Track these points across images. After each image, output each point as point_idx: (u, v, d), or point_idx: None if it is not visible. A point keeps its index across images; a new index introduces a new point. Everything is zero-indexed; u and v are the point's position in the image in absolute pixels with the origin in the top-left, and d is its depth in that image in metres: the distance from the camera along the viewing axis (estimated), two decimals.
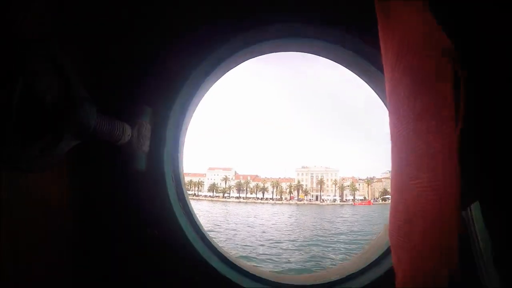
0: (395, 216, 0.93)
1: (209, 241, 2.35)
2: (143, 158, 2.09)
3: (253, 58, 2.77)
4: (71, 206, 1.94)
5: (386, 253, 2.35)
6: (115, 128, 1.79)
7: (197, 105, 2.64)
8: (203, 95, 2.68)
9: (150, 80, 2.22)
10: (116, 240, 2.12)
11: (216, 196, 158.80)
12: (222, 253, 2.31)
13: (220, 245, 2.95)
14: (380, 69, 1.91)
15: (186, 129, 2.51)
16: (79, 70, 1.61)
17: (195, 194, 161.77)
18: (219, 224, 33.44)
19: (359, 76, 2.70)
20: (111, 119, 1.78)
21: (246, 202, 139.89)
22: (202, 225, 2.70)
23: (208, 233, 2.90)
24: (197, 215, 2.53)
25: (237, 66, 2.74)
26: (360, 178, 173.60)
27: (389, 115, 0.85)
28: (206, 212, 51.96)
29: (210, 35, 2.25)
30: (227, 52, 2.36)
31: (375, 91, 2.66)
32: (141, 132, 2.04)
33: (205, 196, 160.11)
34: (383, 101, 2.45)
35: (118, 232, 2.13)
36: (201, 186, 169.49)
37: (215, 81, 2.73)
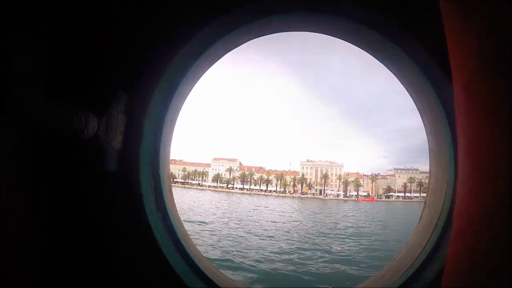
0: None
1: (196, 265, 1.98)
2: (113, 157, 1.73)
3: (256, 38, 2.47)
4: (24, 213, 1.63)
5: (411, 278, 2.05)
6: (74, 119, 1.42)
7: (187, 92, 2.33)
8: (195, 81, 2.36)
9: (123, 59, 1.84)
10: (79, 259, 1.77)
11: (220, 187, 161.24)
12: (213, 280, 2.01)
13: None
14: (412, 56, 1.89)
15: (173, 121, 2.24)
16: (29, 46, 1.36)
17: (199, 184, 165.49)
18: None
19: (381, 62, 2.51)
20: (70, 107, 1.42)
21: (250, 194, 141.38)
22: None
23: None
24: (184, 230, 2.31)
25: (237, 47, 2.46)
26: (364, 174, 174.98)
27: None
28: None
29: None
30: (225, 28, 2.05)
31: (399, 78, 2.48)
32: (110, 124, 1.67)
33: (209, 186, 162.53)
34: (407, 89, 2.38)
35: (81, 248, 1.76)
36: (206, 176, 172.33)
37: (210, 64, 2.45)
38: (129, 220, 1.79)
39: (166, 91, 1.98)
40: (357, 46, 2.48)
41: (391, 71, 2.50)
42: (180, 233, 2.02)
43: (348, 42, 2.47)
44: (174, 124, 2.27)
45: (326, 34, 2.52)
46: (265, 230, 22.83)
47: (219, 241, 19.14)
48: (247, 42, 2.44)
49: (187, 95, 2.36)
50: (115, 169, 1.75)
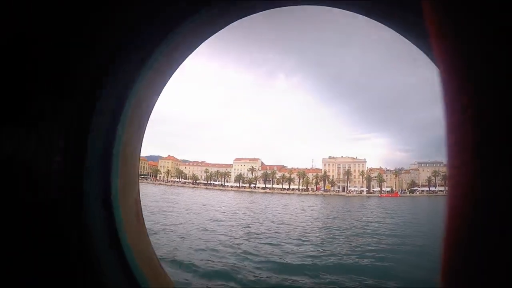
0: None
1: None
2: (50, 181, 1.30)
3: (254, 13, 2.07)
4: None
5: None
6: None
7: (163, 78, 1.90)
8: (174, 65, 1.92)
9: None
10: None
11: (243, 187, 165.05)
12: None
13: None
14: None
15: (140, 120, 1.83)
16: None
17: (221, 184, 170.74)
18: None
19: (396, 31, 1.98)
20: None
21: (272, 193, 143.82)
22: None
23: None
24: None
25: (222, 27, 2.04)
26: (388, 169, 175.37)
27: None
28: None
29: None
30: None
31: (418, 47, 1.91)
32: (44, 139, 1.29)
33: (232, 186, 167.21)
34: (432, 60, 1.57)
35: None
36: (228, 176, 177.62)
37: (190, 49, 2.05)
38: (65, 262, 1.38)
39: (120, 78, 1.63)
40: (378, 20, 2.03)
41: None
42: (143, 276, 1.56)
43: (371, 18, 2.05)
44: (143, 124, 1.95)
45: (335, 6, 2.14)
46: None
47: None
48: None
49: (164, 82, 2.00)
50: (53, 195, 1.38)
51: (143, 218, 1.92)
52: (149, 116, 1.96)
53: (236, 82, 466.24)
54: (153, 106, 1.96)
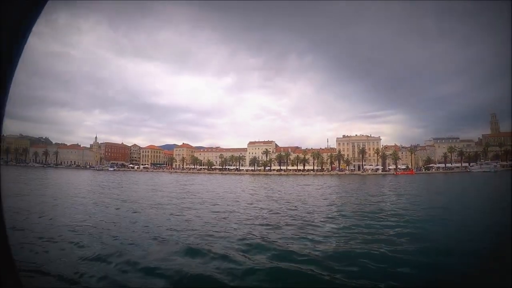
0: None
1: None
2: None
3: None
4: None
5: None
6: None
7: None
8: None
9: None
10: None
11: (258, 170, 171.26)
12: None
13: None
14: None
15: None
16: None
17: (236, 169, 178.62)
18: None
19: None
20: None
21: (287, 174, 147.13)
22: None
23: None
24: None
25: None
26: (403, 146, 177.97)
27: None
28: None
29: None
30: None
31: None
32: None
33: (247, 170, 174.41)
34: None
35: None
36: (243, 160, 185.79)
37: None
38: None
39: None
40: None
41: None
42: None
43: None
44: None
45: None
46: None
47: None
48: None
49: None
50: None
51: None
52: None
53: (247, 66, 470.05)
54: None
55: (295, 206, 23.33)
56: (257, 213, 19.92)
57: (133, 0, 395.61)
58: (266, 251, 10.82)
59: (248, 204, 25.10)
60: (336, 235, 13.22)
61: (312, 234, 13.35)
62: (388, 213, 20.14)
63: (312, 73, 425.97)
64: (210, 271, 8.62)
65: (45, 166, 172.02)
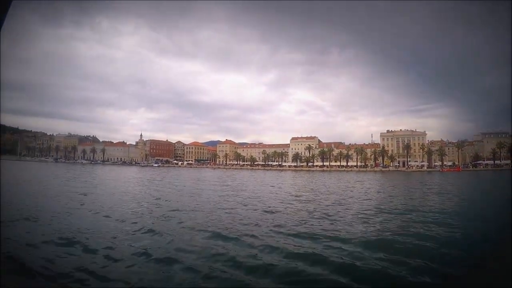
0: None
1: None
2: None
3: None
4: None
5: None
6: None
7: None
8: None
9: None
10: None
11: (300, 166, 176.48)
12: None
13: None
14: None
15: None
16: None
17: (279, 164, 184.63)
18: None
19: None
20: None
21: (330, 170, 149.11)
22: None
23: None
24: None
25: None
26: (449, 141, 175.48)
27: None
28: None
29: None
30: None
31: None
32: None
33: (289, 166, 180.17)
34: None
35: None
36: (285, 156, 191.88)
37: None
38: None
39: None
40: None
41: None
42: None
43: None
44: None
45: None
46: None
47: None
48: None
49: None
50: None
51: None
52: None
53: (289, 62, 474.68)
54: None
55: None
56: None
57: (173, 0, 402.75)
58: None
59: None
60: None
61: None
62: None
63: (355, 67, 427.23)
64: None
65: (92, 162, 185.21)
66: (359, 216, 18.13)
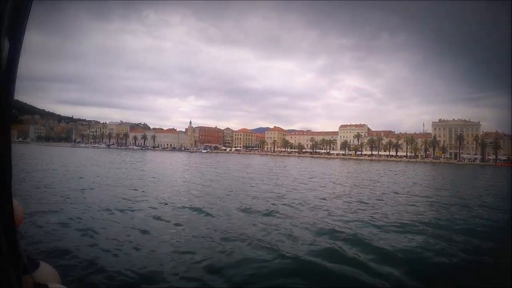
0: None
1: None
2: None
3: None
4: None
5: None
6: None
7: None
8: None
9: None
10: None
11: (348, 154, 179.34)
12: None
13: None
14: None
15: None
16: None
17: (327, 152, 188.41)
18: None
19: None
20: None
21: (378, 160, 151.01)
22: None
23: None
24: None
25: None
26: (505, 133, 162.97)
27: None
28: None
29: None
30: None
31: None
32: None
33: (337, 154, 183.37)
34: None
35: None
36: (334, 144, 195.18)
37: None
38: None
39: None
40: None
41: None
42: None
43: None
44: None
45: None
46: None
47: None
48: None
49: None
50: None
51: None
52: None
53: (338, 47, 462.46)
54: None
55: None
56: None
57: None
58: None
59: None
60: None
61: None
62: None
63: (406, 52, 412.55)
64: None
65: (143, 148, 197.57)
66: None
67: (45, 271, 1.68)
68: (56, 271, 1.76)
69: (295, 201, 19.36)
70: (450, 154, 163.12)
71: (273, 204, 17.95)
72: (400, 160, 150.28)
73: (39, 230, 10.58)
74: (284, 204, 18.00)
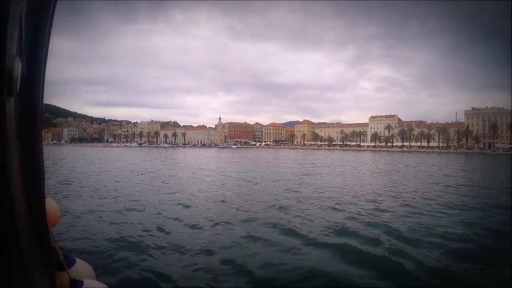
0: None
1: None
2: None
3: None
4: None
5: None
6: None
7: None
8: None
9: None
10: None
11: (379, 146, 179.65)
12: None
13: None
14: None
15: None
16: None
17: (358, 144, 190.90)
18: None
19: None
20: None
21: (409, 151, 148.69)
22: None
23: None
24: None
25: None
26: None
27: None
28: None
29: None
30: None
31: None
32: None
33: (367, 146, 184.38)
34: None
35: None
36: (364, 136, 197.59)
37: None
38: None
39: None
40: None
41: None
42: None
43: None
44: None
45: None
46: None
47: None
48: None
49: None
50: None
51: None
52: None
53: (366, 36, 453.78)
54: None
55: None
56: None
57: None
58: None
59: None
60: None
61: None
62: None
63: (437, 38, 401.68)
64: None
65: (174, 146, 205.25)
66: None
67: (81, 267, 1.84)
68: (91, 267, 1.92)
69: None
70: (484, 144, 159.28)
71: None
72: (432, 151, 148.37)
73: (78, 228, 11.11)
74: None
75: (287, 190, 21.09)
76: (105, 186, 21.90)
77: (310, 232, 10.95)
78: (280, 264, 8.05)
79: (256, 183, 24.86)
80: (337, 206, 15.72)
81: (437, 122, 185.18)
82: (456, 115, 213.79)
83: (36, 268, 1.30)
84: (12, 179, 1.14)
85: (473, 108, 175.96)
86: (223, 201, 16.97)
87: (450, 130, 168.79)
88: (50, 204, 1.77)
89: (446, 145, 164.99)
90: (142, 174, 31.21)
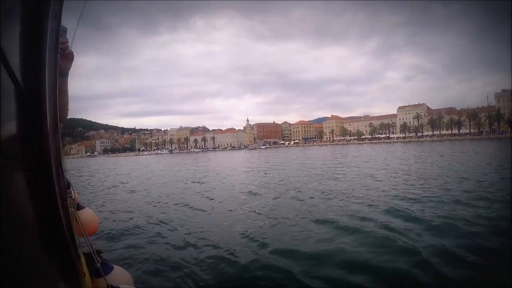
0: None
1: None
2: None
3: None
4: None
5: None
6: None
7: None
8: None
9: None
10: None
11: (409, 137, 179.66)
12: None
13: None
14: None
15: None
16: None
17: (387, 137, 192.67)
18: None
19: None
20: None
21: (440, 140, 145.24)
22: None
23: None
24: None
25: None
26: None
27: None
28: None
29: None
30: None
31: None
32: None
33: (397, 137, 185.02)
34: None
35: None
36: (393, 127, 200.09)
37: None
38: None
39: None
40: None
41: None
42: None
43: None
44: None
45: None
46: None
47: None
48: None
49: None
50: None
51: None
52: None
53: (390, 25, 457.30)
54: None
55: None
56: None
57: None
58: None
59: None
60: None
61: None
62: None
63: (463, 20, 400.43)
64: None
65: (204, 150, 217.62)
66: None
67: (119, 274, 1.98)
68: (129, 274, 2.03)
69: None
70: None
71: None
72: (463, 139, 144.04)
73: (117, 235, 11.28)
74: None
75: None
76: (148, 192, 23.36)
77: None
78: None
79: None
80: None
81: (468, 108, 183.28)
82: (487, 98, 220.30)
83: (72, 275, 1.33)
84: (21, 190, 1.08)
85: (503, 90, 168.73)
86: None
87: (481, 115, 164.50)
88: (88, 213, 2.16)
89: (478, 130, 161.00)
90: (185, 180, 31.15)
